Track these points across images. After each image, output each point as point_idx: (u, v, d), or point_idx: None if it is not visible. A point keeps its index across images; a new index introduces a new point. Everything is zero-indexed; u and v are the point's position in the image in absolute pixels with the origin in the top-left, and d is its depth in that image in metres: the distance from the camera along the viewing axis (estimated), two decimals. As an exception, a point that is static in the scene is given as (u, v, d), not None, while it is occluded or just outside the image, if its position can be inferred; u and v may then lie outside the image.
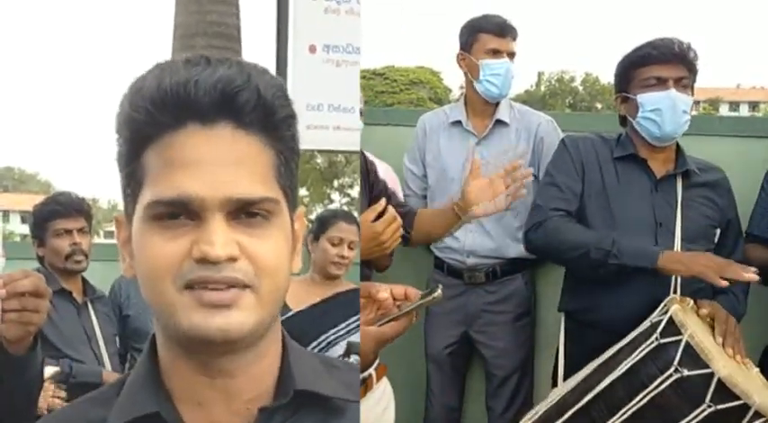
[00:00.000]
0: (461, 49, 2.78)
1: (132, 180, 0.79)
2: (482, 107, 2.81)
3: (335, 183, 29.17)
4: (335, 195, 29.46)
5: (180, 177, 0.75)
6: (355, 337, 2.67)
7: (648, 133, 2.21)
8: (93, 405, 0.86)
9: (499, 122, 2.79)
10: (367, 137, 2.95)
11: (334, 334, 2.64)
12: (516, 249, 2.76)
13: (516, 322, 2.80)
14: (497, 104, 2.80)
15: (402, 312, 1.03)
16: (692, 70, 2.21)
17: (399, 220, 1.88)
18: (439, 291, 1.03)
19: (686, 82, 2.20)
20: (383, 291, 1.06)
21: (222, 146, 0.76)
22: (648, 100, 2.19)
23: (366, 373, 1.92)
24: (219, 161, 0.76)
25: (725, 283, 1.95)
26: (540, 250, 2.35)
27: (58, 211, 2.65)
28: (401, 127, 3.08)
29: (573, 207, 2.23)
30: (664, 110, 2.17)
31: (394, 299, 1.06)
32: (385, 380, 2.03)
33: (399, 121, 3.16)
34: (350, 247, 2.77)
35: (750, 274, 1.95)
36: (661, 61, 2.18)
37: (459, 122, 2.83)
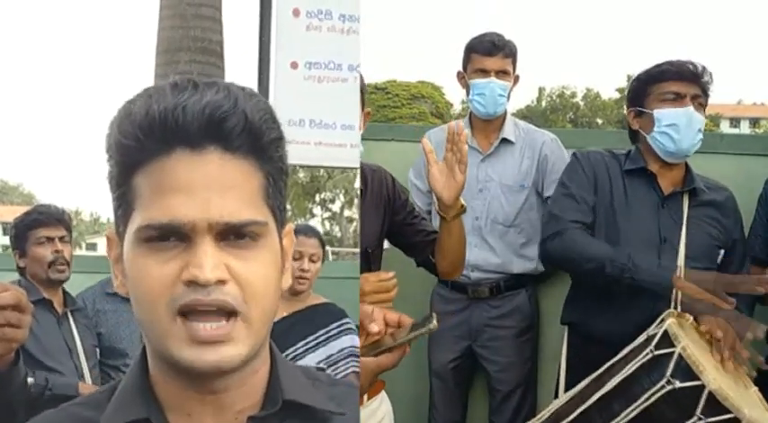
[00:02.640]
0: (462, 68, 2.84)
1: (123, 202, 0.81)
2: (484, 125, 2.85)
3: (317, 197, 29.21)
4: (317, 210, 29.51)
5: (170, 202, 0.77)
6: (310, 359, 2.63)
7: (663, 148, 2.22)
8: (85, 408, 0.87)
9: (505, 141, 2.82)
10: (370, 152, 2.97)
11: (293, 352, 2.61)
12: (520, 265, 2.79)
13: (519, 337, 2.82)
14: (503, 122, 2.84)
15: (398, 343, 1.05)
16: (705, 92, 2.23)
17: (390, 294, 1.85)
18: (434, 322, 1.04)
19: (701, 101, 2.22)
20: (376, 323, 1.08)
21: (211, 171, 0.77)
22: (666, 115, 2.20)
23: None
24: (208, 186, 0.77)
25: (728, 306, 1.95)
26: (556, 260, 2.34)
27: (39, 221, 2.66)
28: (405, 143, 3.10)
29: (589, 219, 2.24)
30: (681, 126, 2.18)
31: (387, 325, 1.09)
32: (383, 395, 2.03)
33: (403, 137, 3.18)
34: (311, 261, 2.72)
35: (761, 288, 1.95)
36: (679, 78, 2.21)
37: (464, 139, 2.85)
